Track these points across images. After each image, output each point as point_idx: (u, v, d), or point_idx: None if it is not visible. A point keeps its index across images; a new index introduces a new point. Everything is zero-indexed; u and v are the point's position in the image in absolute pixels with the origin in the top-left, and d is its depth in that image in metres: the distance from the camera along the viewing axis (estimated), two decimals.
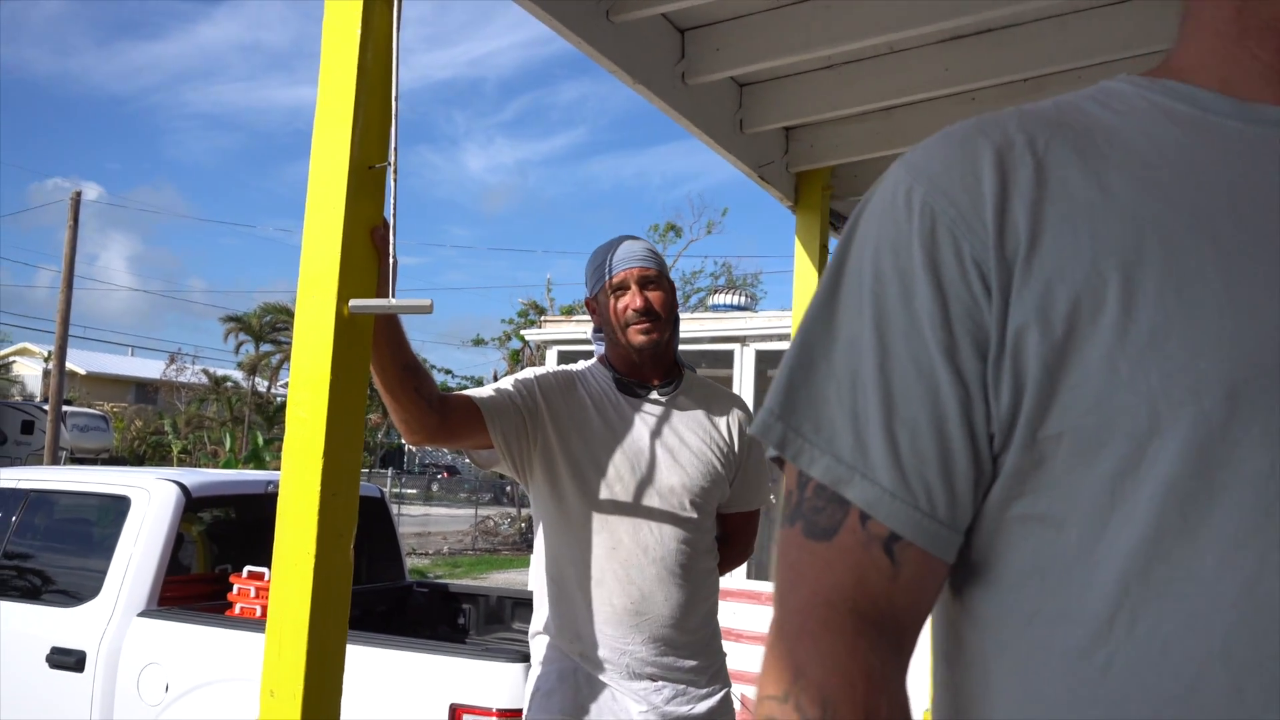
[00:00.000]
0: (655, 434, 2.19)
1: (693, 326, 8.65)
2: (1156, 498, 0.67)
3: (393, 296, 1.75)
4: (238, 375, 34.87)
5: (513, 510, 26.61)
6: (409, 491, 34.45)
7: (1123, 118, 0.80)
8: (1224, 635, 0.64)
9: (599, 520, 2.14)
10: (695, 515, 2.18)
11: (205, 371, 35.16)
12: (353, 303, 1.70)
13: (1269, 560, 0.64)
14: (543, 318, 11.28)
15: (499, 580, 17.15)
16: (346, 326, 1.71)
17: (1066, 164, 0.77)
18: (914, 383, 0.73)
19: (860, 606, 0.72)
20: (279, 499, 1.71)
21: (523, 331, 12.52)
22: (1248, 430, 0.65)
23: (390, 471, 30.93)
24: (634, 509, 2.14)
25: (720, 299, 10.54)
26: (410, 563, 18.39)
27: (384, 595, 5.58)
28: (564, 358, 8.96)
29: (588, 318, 2.39)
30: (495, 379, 2.34)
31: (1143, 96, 0.82)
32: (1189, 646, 0.65)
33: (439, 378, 35.49)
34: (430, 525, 26.00)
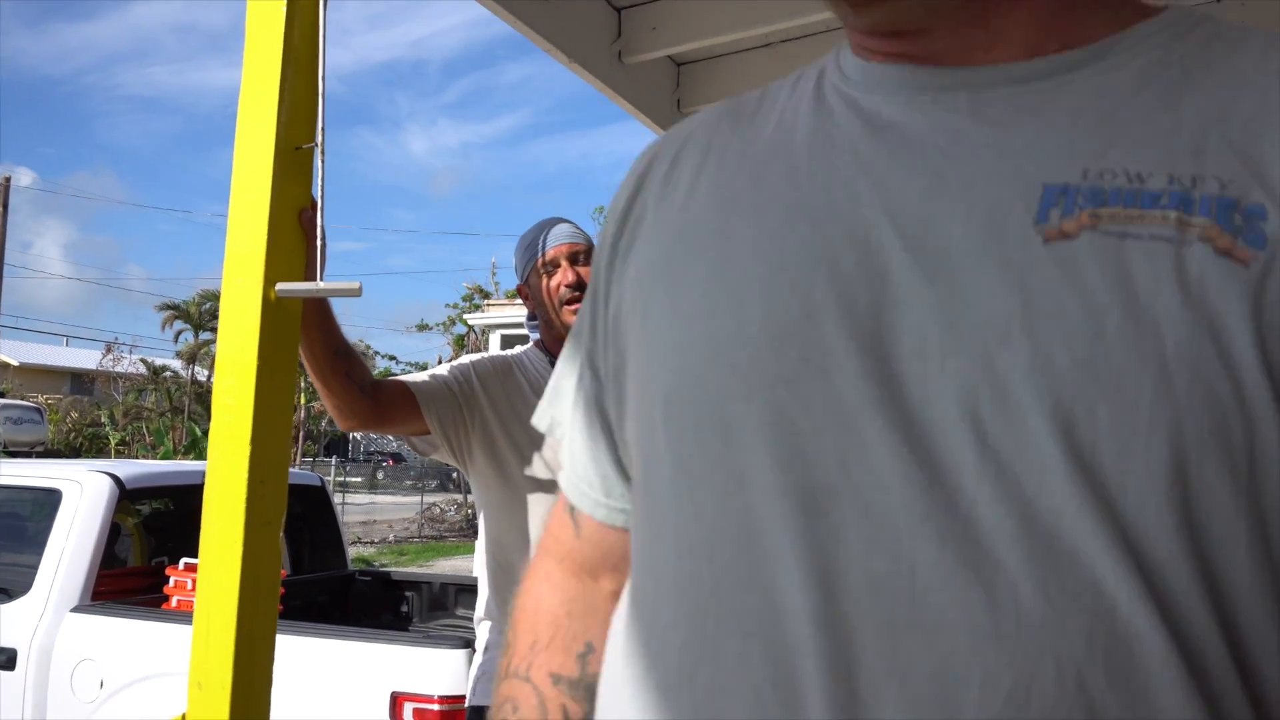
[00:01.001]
0: None
1: None
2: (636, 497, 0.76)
3: (321, 280, 1.71)
4: (177, 365, 34.23)
5: (459, 497, 26.44)
6: (354, 480, 34.10)
7: (781, 107, 0.78)
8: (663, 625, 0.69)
9: (542, 505, 2.12)
10: None
11: (143, 361, 34.45)
12: (279, 286, 1.66)
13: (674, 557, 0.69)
14: (486, 302, 11.21)
15: (445, 567, 17.05)
16: (274, 311, 1.67)
17: (687, 163, 0.78)
18: (573, 379, 0.84)
19: (557, 555, 0.90)
20: (205, 488, 1.67)
21: (466, 316, 12.43)
22: (665, 440, 0.69)
23: (334, 460, 30.61)
24: None
25: None
26: (355, 551, 18.28)
27: (325, 584, 5.52)
28: (507, 341, 8.92)
29: None
30: (440, 364, 2.30)
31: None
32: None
33: (382, 364, 35.25)
34: (375, 513, 25.76)
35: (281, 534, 1.72)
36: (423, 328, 31.72)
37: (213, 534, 1.64)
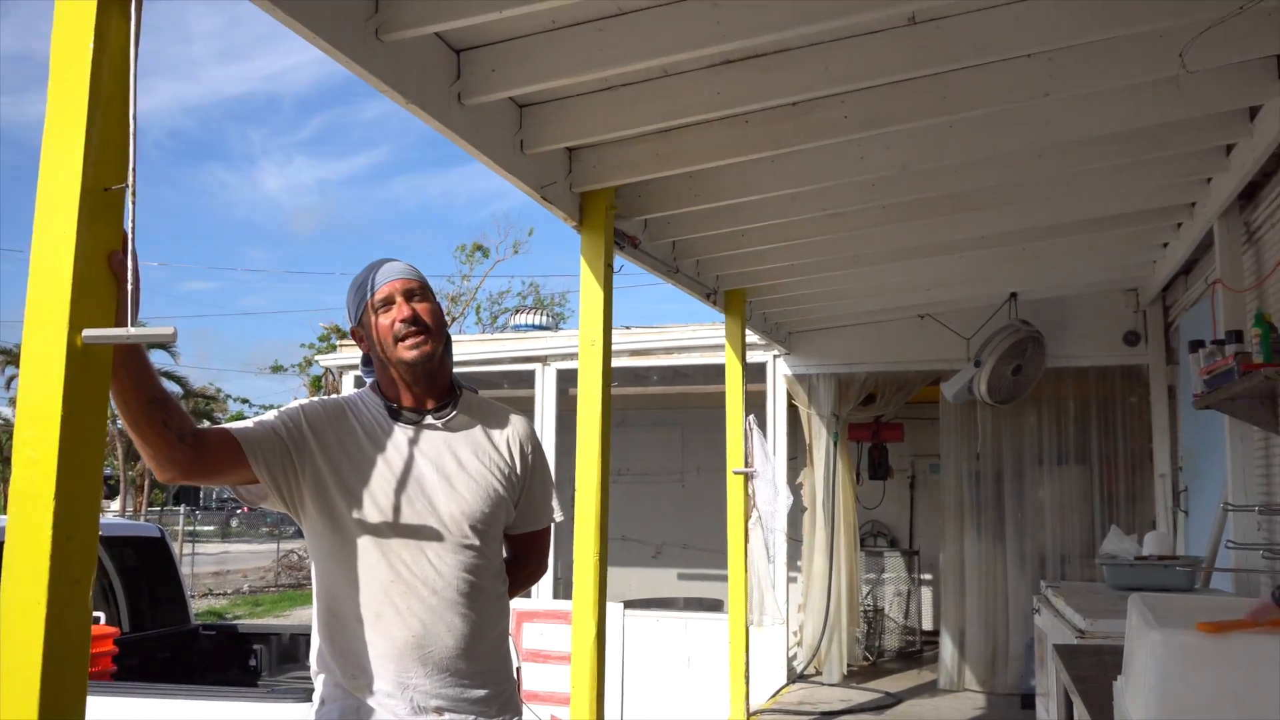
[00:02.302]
0: (431, 461, 2.13)
1: (494, 346, 8.59)
2: None
3: (132, 325, 1.65)
4: (9, 411, 32.21)
5: None
6: (205, 528, 32.70)
7: None
8: None
9: (375, 552, 2.07)
10: (478, 542, 2.12)
11: None
12: (87, 333, 1.59)
13: None
14: (340, 342, 10.94)
15: (303, 616, 16.47)
16: (80, 358, 1.60)
17: None
18: None
19: None
20: (5, 545, 1.57)
21: (319, 356, 12.10)
22: None
23: (184, 508, 29.25)
24: (411, 539, 2.07)
25: (522, 319, 10.52)
26: (206, 604, 17.49)
27: (166, 641, 5.26)
28: (361, 382, 8.72)
29: None
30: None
31: None
32: None
33: (235, 407, 33.95)
34: (229, 563, 24.73)
35: (94, 591, 1.64)
36: (277, 369, 30.77)
37: (14, 595, 1.55)
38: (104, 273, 1.65)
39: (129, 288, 1.65)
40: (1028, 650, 6.72)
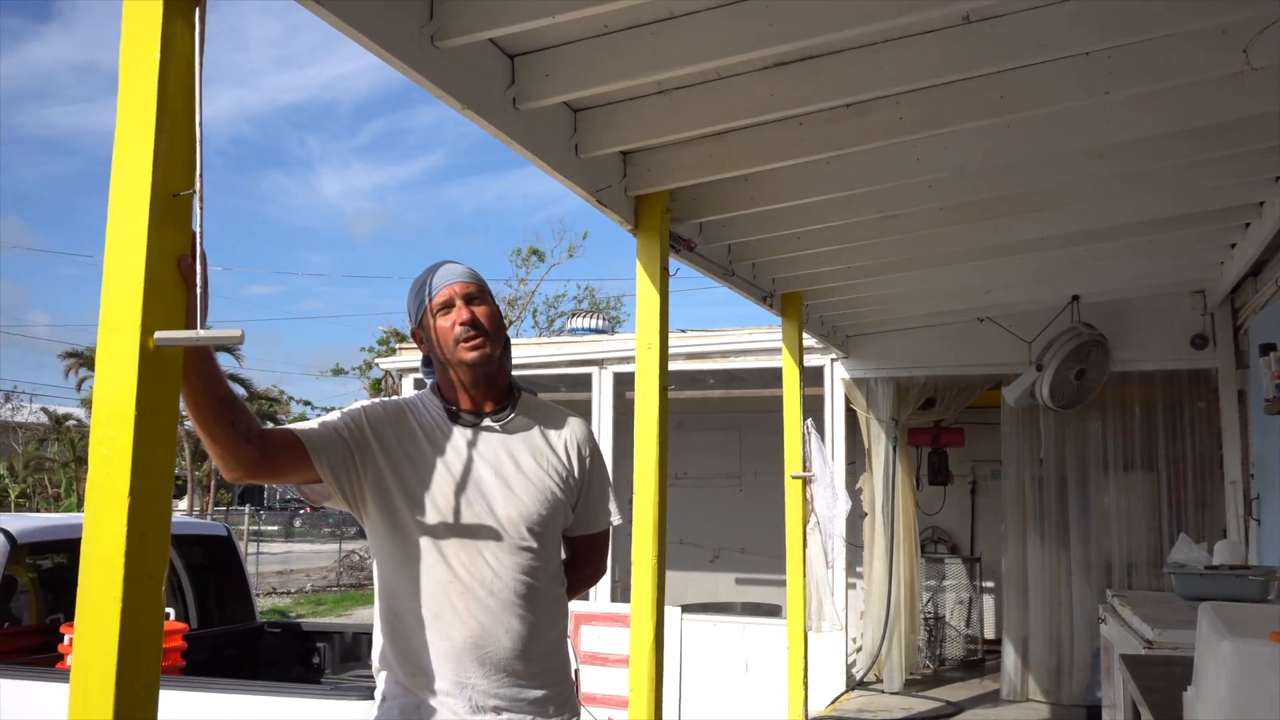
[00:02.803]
0: (489, 464, 2.15)
1: (551, 350, 8.65)
2: None
3: (201, 328, 1.70)
4: (80, 413, 33.10)
5: None
6: (269, 528, 33.28)
7: None
8: None
9: (434, 553, 2.10)
10: (535, 545, 2.14)
11: (44, 410, 33.22)
12: (158, 335, 1.64)
13: None
14: (400, 345, 11.08)
15: (364, 615, 16.69)
16: (152, 360, 1.65)
17: None
18: None
19: None
20: (83, 541, 1.63)
21: (379, 359, 12.26)
22: None
23: (249, 508, 29.80)
24: (470, 541, 2.10)
25: (578, 322, 10.56)
26: (271, 602, 17.80)
27: (232, 638, 5.38)
28: (421, 385, 8.83)
29: None
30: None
31: None
32: None
33: (297, 409, 34.52)
34: (292, 562, 25.15)
35: (185, 587, 1.69)
36: (338, 372, 31.22)
37: (90, 590, 1.61)
38: (174, 277, 1.70)
39: (198, 291, 1.70)
40: (1093, 660, 6.59)
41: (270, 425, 2.12)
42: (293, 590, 20.62)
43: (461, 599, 2.08)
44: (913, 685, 7.64)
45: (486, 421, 2.20)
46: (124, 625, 1.59)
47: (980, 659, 8.87)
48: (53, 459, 30.98)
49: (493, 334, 2.18)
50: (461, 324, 2.15)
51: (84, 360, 31.99)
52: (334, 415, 2.15)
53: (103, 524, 1.62)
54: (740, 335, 8.01)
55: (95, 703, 1.58)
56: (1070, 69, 3.19)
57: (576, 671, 4.14)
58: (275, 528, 34.33)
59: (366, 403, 2.21)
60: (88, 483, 1.65)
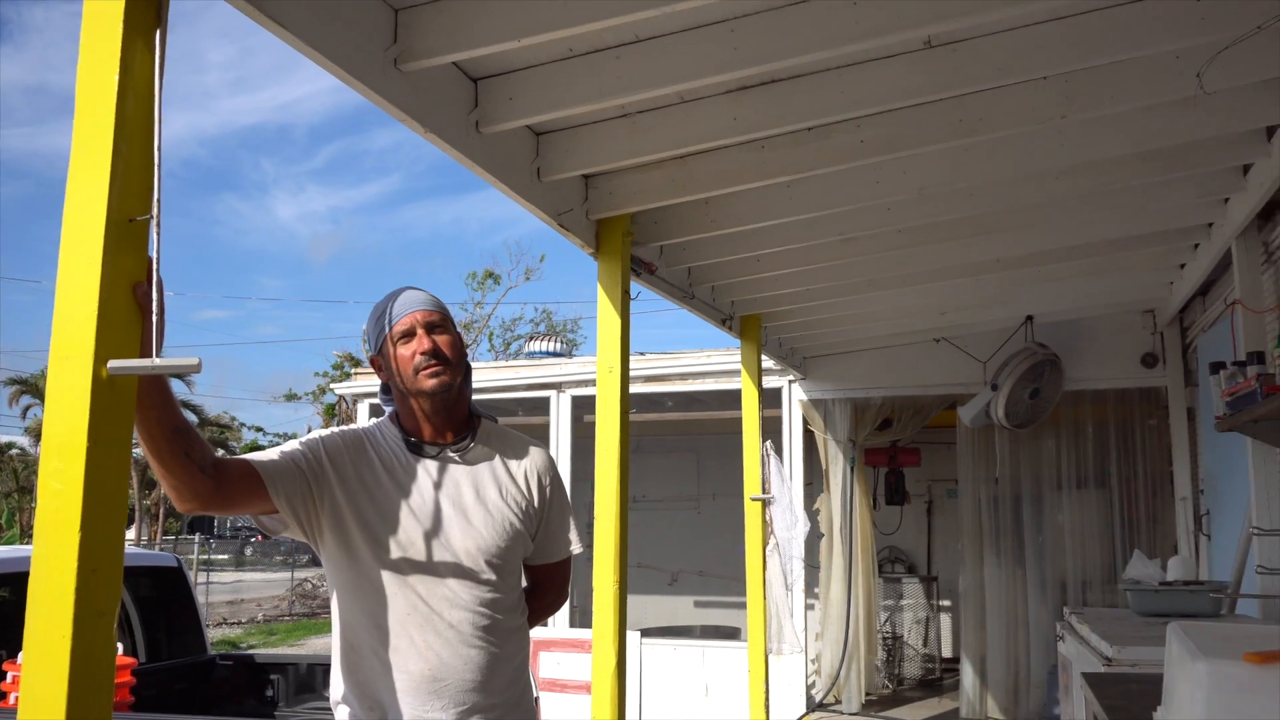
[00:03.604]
0: (448, 495, 2.12)
1: (509, 374, 8.59)
2: None
3: (157, 356, 1.64)
4: (24, 441, 32.36)
5: None
6: (219, 557, 32.69)
7: None
8: None
9: (392, 585, 2.05)
10: (494, 576, 2.11)
11: None
12: (112, 364, 1.59)
13: None
14: (355, 370, 10.95)
15: (318, 645, 16.41)
16: (105, 389, 1.59)
17: None
18: None
19: None
20: (30, 578, 1.56)
21: (334, 385, 12.11)
22: None
23: (198, 537, 29.26)
24: (428, 574, 2.06)
25: (536, 345, 10.52)
26: (221, 633, 17.46)
27: (183, 671, 5.24)
28: (376, 410, 8.72)
29: None
30: (309, 434, 2.23)
31: None
32: None
33: (249, 435, 34.02)
34: (244, 591, 24.71)
35: (133, 620, 1.63)
36: (291, 397, 30.86)
37: (39, 628, 1.54)
38: (129, 304, 1.64)
39: (154, 318, 1.65)
40: (1050, 677, 6.64)
41: (223, 454, 2.06)
42: (244, 620, 20.24)
43: (419, 631, 2.04)
44: (872, 705, 7.65)
45: (446, 452, 2.16)
46: (74, 664, 1.52)
47: (938, 678, 8.91)
48: None
49: (454, 363, 2.16)
50: (422, 353, 2.12)
51: (29, 387, 31.34)
52: (291, 444, 2.10)
53: (52, 559, 1.55)
54: (699, 358, 8.01)
55: None
56: (1029, 93, 3.24)
57: (537, 699, 4.08)
58: (226, 556, 33.75)
59: (324, 432, 2.17)
60: (37, 517, 1.58)
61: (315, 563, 29.88)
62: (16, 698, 4.14)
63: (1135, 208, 4.47)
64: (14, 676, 4.21)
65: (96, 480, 1.57)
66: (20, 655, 4.23)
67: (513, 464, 2.23)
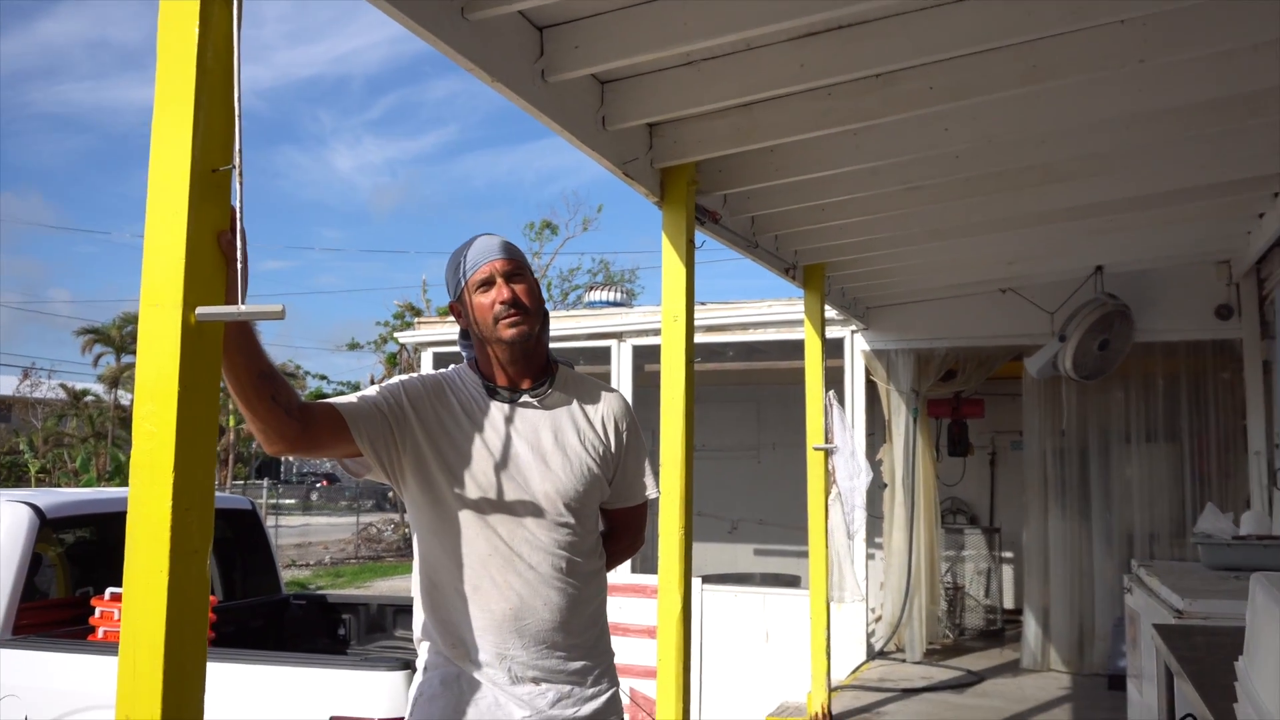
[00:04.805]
0: (526, 440, 2.16)
1: (570, 324, 8.64)
2: None
3: (242, 303, 1.69)
4: (99, 389, 33.35)
5: (395, 516, 26.14)
6: (287, 501, 33.55)
7: None
8: None
9: (473, 527, 2.11)
10: (572, 520, 2.15)
11: (63, 386, 33.49)
12: (200, 311, 1.64)
13: None
14: (418, 319, 11.09)
15: (383, 588, 16.83)
16: (194, 336, 1.64)
17: None
18: None
19: None
20: (128, 517, 1.64)
21: (397, 334, 12.27)
22: None
23: (266, 482, 30.03)
24: (507, 516, 2.11)
25: (596, 295, 10.55)
26: (290, 574, 17.97)
27: (259, 610, 5.43)
28: (439, 359, 8.84)
29: None
30: (371, 383, 2.29)
31: None
32: None
33: (313, 384, 34.69)
34: (311, 535, 25.38)
35: (210, 560, 1.70)
36: (353, 346, 31.32)
37: (137, 564, 1.62)
38: (214, 252, 1.70)
39: (238, 266, 1.70)
40: (1115, 630, 6.60)
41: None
42: (311, 562, 20.81)
43: (500, 572, 2.10)
44: (933, 655, 7.67)
45: (524, 398, 2.20)
46: (171, 599, 1.60)
47: (1000, 629, 8.89)
48: (71, 434, 31.27)
49: (533, 311, 2.18)
50: (501, 302, 2.15)
51: (101, 336, 32.21)
52: (373, 390, 2.16)
53: (148, 500, 1.62)
54: (760, 308, 7.98)
55: (144, 674, 1.59)
56: (1104, 37, 3.15)
57: None
58: (293, 501, 34.61)
59: (406, 377, 2.22)
60: (132, 459, 1.65)
61: (379, 508, 30.53)
62: (105, 631, 4.33)
63: (1211, 155, 4.35)
64: (102, 612, 4.40)
65: (188, 423, 1.63)
66: (106, 591, 4.42)
67: (590, 409, 2.27)
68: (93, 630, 4.42)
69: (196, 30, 1.69)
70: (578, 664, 2.15)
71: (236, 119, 1.74)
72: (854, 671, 7.19)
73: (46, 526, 4.46)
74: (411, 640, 2.37)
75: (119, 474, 24.08)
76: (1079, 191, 4.77)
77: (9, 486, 25.24)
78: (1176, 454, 7.23)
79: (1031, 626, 7.41)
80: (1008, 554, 9.45)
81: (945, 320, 7.42)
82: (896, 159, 4.10)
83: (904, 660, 7.47)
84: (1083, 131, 4.03)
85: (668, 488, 3.70)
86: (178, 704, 1.61)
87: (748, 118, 3.63)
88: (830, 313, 6.64)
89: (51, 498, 4.72)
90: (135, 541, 1.62)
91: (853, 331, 7.70)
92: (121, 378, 31.97)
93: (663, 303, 3.81)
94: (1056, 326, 6.78)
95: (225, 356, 1.73)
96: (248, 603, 5.43)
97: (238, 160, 1.73)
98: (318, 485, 38.71)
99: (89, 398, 33.11)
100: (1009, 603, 9.30)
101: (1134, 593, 4.58)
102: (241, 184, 1.73)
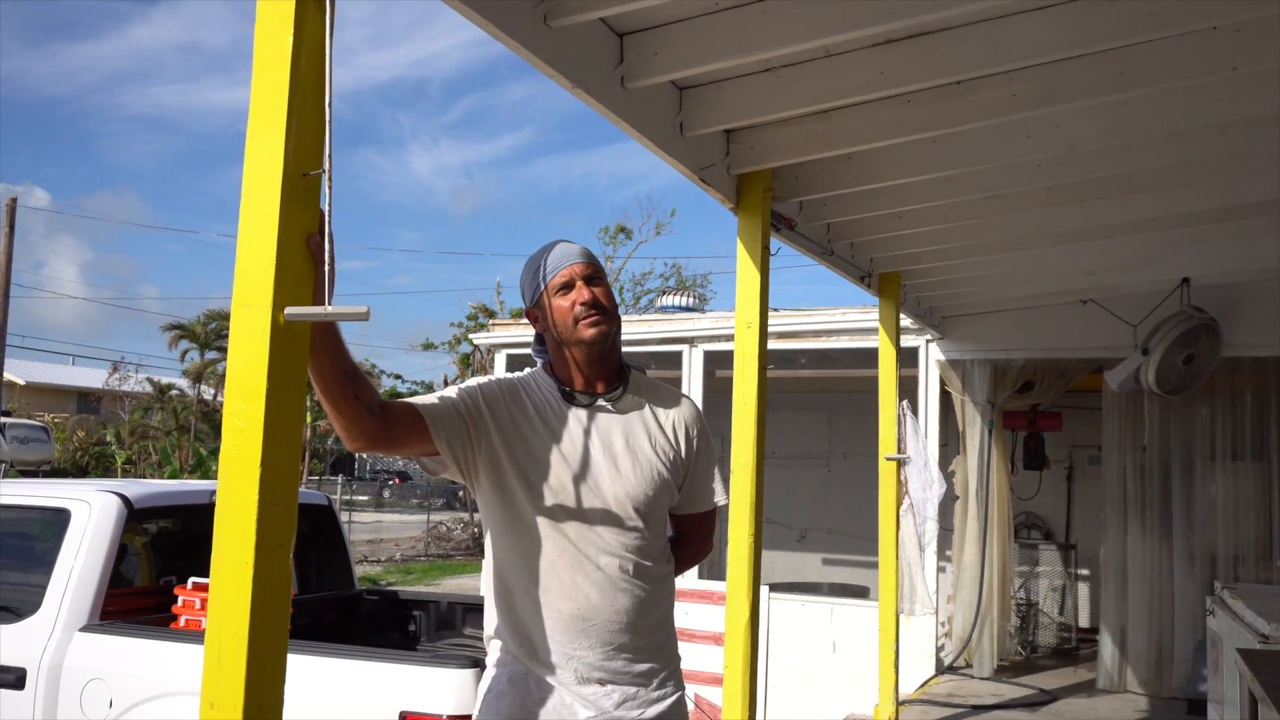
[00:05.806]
0: (599, 443, 2.19)
1: (641, 328, 8.67)
2: None
3: (329, 304, 1.74)
4: (183, 383, 34.29)
5: (465, 515, 26.42)
6: (360, 498, 34.11)
7: None
8: None
9: (544, 528, 2.14)
10: (642, 524, 2.18)
11: (149, 380, 34.52)
12: (289, 311, 1.69)
13: None
14: (491, 321, 11.22)
15: (452, 586, 17.04)
16: (283, 335, 1.69)
17: None
18: None
19: None
20: (216, 510, 1.69)
21: (471, 335, 12.42)
22: None
23: (340, 478, 30.59)
24: (578, 518, 2.14)
25: (669, 300, 10.56)
26: (362, 570, 18.28)
27: (333, 603, 5.53)
28: (513, 361, 8.94)
29: None
30: (445, 383, 2.33)
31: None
32: None
33: (388, 383, 35.24)
34: (382, 532, 25.77)
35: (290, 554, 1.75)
36: (428, 346, 31.69)
37: (224, 556, 1.67)
38: (303, 254, 1.75)
39: (326, 268, 1.75)
40: (1196, 653, 6.41)
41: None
42: (383, 559, 21.13)
43: (569, 573, 2.12)
44: (1003, 671, 7.53)
45: (599, 401, 2.23)
46: (255, 590, 1.65)
47: (1074, 647, 8.69)
48: (156, 427, 32.19)
49: (611, 313, 2.22)
50: (582, 303, 2.19)
51: (187, 332, 33.11)
52: (451, 390, 2.20)
53: (236, 494, 1.68)
54: (833, 315, 7.93)
55: (229, 664, 1.65)
56: (1196, 44, 3.08)
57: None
58: (366, 498, 35.18)
59: (483, 380, 2.26)
60: (221, 454, 1.71)
61: (449, 507, 30.90)
62: (187, 620, 4.45)
63: None
64: (184, 600, 4.53)
65: (275, 420, 1.68)
66: (189, 580, 4.55)
67: (662, 414, 2.29)
68: (175, 618, 4.55)
69: (291, 37, 1.74)
70: (644, 666, 2.17)
71: (327, 124, 1.79)
72: (922, 686, 7.09)
73: (134, 517, 4.60)
74: (480, 638, 2.41)
75: (200, 467, 24.73)
76: (1165, 201, 4.65)
77: (97, 476, 26.09)
78: (1263, 473, 7.00)
79: (1108, 646, 7.23)
80: (1083, 571, 9.23)
81: (1023, 331, 7.28)
82: (976, 167, 4.05)
83: (973, 676, 7.35)
84: (1171, 140, 3.94)
85: (738, 494, 3.69)
86: (260, 692, 1.66)
87: (825, 124, 3.62)
88: (905, 321, 6.57)
89: (138, 488, 4.87)
90: (223, 535, 1.67)
91: (928, 341, 7.61)
92: (205, 373, 32.83)
93: (736, 309, 3.81)
94: (1139, 339, 6.61)
95: (311, 355, 1.78)
96: (322, 596, 5.54)
97: (327, 165, 1.77)
98: (390, 483, 39.34)
99: (174, 391, 34.06)
100: (1084, 621, 9.08)
101: (1217, 615, 4.45)
102: (331, 188, 1.78)
